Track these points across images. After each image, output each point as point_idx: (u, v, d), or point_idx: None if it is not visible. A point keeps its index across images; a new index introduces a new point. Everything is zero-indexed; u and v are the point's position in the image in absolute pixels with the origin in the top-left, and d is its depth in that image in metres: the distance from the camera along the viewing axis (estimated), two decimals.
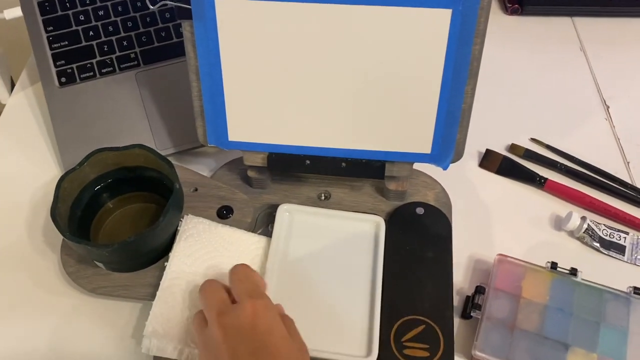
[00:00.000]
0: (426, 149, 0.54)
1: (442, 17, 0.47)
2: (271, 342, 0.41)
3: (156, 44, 0.66)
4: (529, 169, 0.62)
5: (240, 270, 0.47)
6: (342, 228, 0.56)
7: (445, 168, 0.54)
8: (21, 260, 0.56)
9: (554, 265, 0.53)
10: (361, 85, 0.51)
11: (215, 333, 0.42)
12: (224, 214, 0.57)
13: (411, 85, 0.50)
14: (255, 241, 0.55)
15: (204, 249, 0.53)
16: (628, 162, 0.64)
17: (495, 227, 0.59)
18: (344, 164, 0.55)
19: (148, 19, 0.66)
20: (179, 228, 0.54)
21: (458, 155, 0.54)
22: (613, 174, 0.62)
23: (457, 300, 0.54)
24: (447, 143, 0.53)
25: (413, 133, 0.53)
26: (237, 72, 0.51)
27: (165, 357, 0.49)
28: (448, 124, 0.52)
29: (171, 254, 0.52)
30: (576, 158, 0.63)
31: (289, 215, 0.56)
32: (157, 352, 0.48)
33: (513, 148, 0.64)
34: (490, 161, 0.63)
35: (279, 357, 0.41)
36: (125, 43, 0.65)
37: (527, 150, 0.64)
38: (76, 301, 0.54)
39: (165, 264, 0.52)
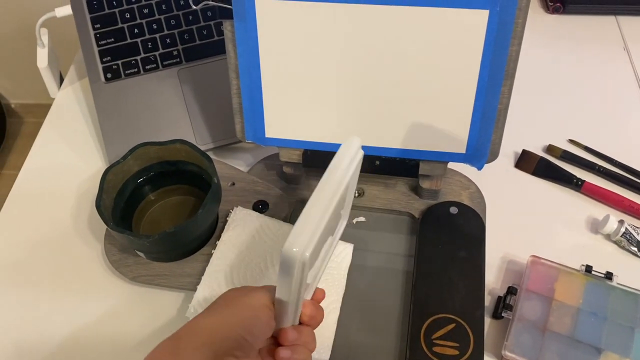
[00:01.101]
0: (461, 149, 0.54)
1: (479, 18, 0.47)
2: None
3: (198, 42, 0.67)
4: (566, 170, 0.62)
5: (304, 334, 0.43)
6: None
7: (480, 168, 0.54)
8: (67, 249, 0.59)
9: (588, 269, 0.53)
10: (397, 85, 0.52)
11: None
12: (259, 209, 0.58)
13: (447, 86, 0.51)
14: None
15: (250, 240, 0.55)
16: None
17: (530, 228, 0.59)
18: (378, 162, 0.56)
19: (190, 18, 0.68)
20: (228, 218, 0.56)
21: (493, 156, 0.54)
22: None
23: (488, 300, 0.54)
24: (482, 143, 0.53)
25: (448, 133, 0.53)
26: (275, 71, 0.53)
27: None
28: (483, 125, 0.52)
29: (219, 242, 0.54)
30: (615, 160, 0.62)
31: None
32: None
33: (550, 149, 0.64)
34: (527, 162, 0.63)
35: None
36: (168, 41, 0.67)
37: (564, 151, 0.63)
38: (118, 289, 0.56)
39: (213, 251, 0.54)
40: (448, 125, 0.53)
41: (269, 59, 0.52)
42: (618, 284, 0.52)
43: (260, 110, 0.55)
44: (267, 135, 0.56)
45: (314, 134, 0.56)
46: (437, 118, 0.53)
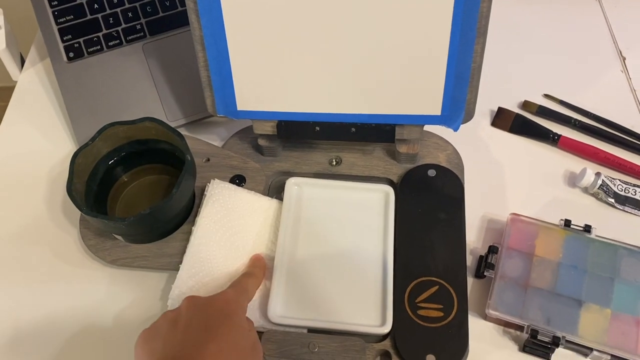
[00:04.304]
0: (436, 110, 0.53)
1: None
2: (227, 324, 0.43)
3: (161, 14, 0.65)
4: (542, 126, 0.62)
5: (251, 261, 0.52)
6: (352, 198, 0.56)
7: (456, 129, 0.54)
8: (42, 235, 0.58)
9: (567, 223, 0.53)
10: (368, 49, 0.50)
11: (182, 303, 0.44)
12: (236, 183, 0.57)
13: (419, 46, 0.50)
14: (277, 207, 0.56)
15: (229, 215, 0.54)
16: None
17: (509, 186, 0.59)
18: (353, 129, 0.55)
19: None
20: (205, 192, 0.55)
21: (469, 116, 0.54)
22: (629, 127, 0.61)
23: (470, 260, 0.55)
24: (457, 104, 0.52)
25: (422, 95, 0.52)
26: (242, 41, 0.51)
27: None
28: (457, 85, 0.51)
29: (198, 218, 0.53)
30: (591, 113, 0.62)
31: (297, 188, 0.56)
32: None
33: (526, 105, 0.64)
34: (503, 120, 0.63)
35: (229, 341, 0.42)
36: (130, 14, 0.65)
37: (540, 106, 0.63)
38: (98, 272, 0.55)
39: (193, 228, 0.53)
40: (422, 87, 0.52)
41: (234, 28, 0.50)
42: (597, 236, 0.52)
43: (230, 82, 0.53)
44: (239, 108, 0.55)
45: (287, 104, 0.54)
46: (411, 81, 0.52)
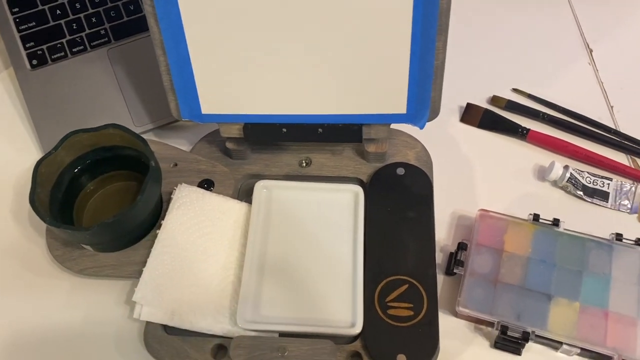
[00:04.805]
0: (401, 109, 0.53)
1: None
2: None
3: (125, 19, 0.64)
4: (510, 120, 0.62)
5: None
6: (322, 199, 0.56)
7: (421, 127, 0.53)
8: (9, 246, 0.57)
9: (536, 217, 0.53)
10: (330, 49, 0.50)
11: None
12: (205, 187, 0.57)
13: (381, 45, 0.49)
14: (246, 210, 0.55)
15: (196, 217, 0.53)
16: (612, 107, 0.63)
17: (478, 182, 0.59)
18: (320, 130, 0.55)
19: None
20: (172, 196, 0.54)
21: (434, 113, 0.53)
22: (597, 119, 0.62)
23: (441, 258, 0.55)
24: (422, 102, 0.52)
25: (387, 94, 0.52)
26: (203, 44, 0.50)
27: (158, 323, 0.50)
28: (421, 83, 0.51)
29: (164, 222, 0.53)
30: (559, 106, 0.62)
31: (266, 191, 0.56)
32: (148, 317, 0.50)
33: (494, 100, 0.63)
34: (472, 115, 0.63)
35: None
36: (94, 20, 0.64)
37: (509, 101, 0.63)
38: (66, 283, 0.55)
39: (157, 231, 0.53)
40: (386, 86, 0.52)
41: (194, 31, 0.50)
42: (565, 229, 0.52)
43: (193, 86, 0.53)
44: (203, 112, 0.54)
45: (253, 106, 0.54)
46: (375, 80, 0.51)
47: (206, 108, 0.54)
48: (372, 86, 0.52)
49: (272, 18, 0.49)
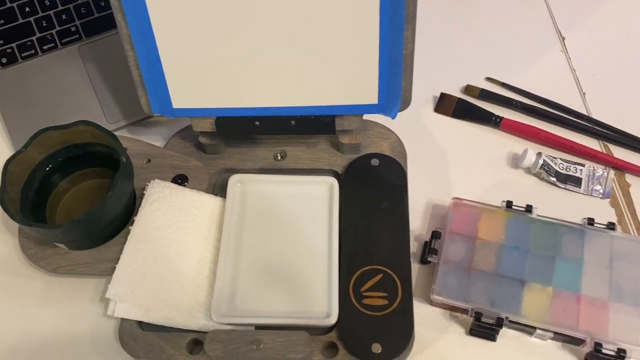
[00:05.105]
0: (373, 99, 0.53)
1: None
2: None
3: (96, 15, 0.64)
4: (484, 109, 0.62)
5: None
6: (296, 192, 0.55)
7: (393, 117, 0.53)
8: None
9: (509, 204, 0.53)
10: (299, 40, 0.50)
11: None
12: (179, 183, 0.56)
13: (349, 36, 0.49)
14: (221, 205, 0.55)
15: (169, 212, 0.53)
16: (584, 93, 0.63)
17: (452, 171, 0.59)
18: (293, 122, 0.55)
19: None
20: (144, 192, 0.54)
21: (406, 103, 0.53)
22: (569, 106, 0.62)
23: (416, 247, 0.55)
24: (393, 92, 0.52)
25: (358, 85, 0.52)
26: (171, 38, 0.50)
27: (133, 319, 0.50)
28: (392, 73, 0.51)
29: (136, 218, 0.53)
30: (532, 94, 0.63)
31: (241, 185, 0.56)
32: (122, 313, 0.49)
33: (468, 89, 0.64)
34: (446, 105, 0.63)
35: None
36: (64, 17, 0.63)
37: (482, 90, 0.63)
38: (40, 282, 0.54)
39: (131, 228, 0.52)
40: (357, 77, 0.52)
41: (162, 25, 0.49)
42: (538, 215, 0.53)
43: (163, 80, 0.52)
44: (174, 106, 0.54)
45: (224, 99, 0.54)
46: (346, 71, 0.51)
47: (177, 102, 0.54)
48: (343, 77, 0.52)
49: (239, 11, 0.48)
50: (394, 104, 0.53)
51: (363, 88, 0.52)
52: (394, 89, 0.52)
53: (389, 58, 0.50)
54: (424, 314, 0.51)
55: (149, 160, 0.58)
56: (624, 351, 0.46)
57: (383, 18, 0.48)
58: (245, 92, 0.53)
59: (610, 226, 0.51)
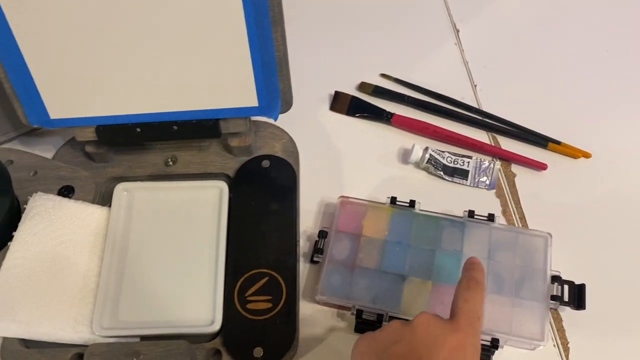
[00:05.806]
0: (253, 102, 0.53)
1: None
2: None
3: None
4: (376, 105, 0.62)
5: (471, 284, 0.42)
6: (185, 198, 0.55)
7: (275, 119, 0.53)
8: None
9: (393, 200, 0.54)
10: (169, 44, 0.49)
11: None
12: (64, 194, 0.55)
13: (219, 40, 0.49)
14: (107, 215, 0.54)
15: (52, 225, 0.52)
16: (475, 85, 0.64)
17: (345, 168, 0.59)
18: (175, 127, 0.54)
19: None
20: (24, 206, 0.53)
21: (287, 105, 0.53)
22: (461, 99, 0.63)
23: (308, 247, 0.55)
24: (272, 94, 0.52)
25: (237, 88, 0.52)
26: (37, 49, 0.49)
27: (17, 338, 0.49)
28: (267, 75, 0.51)
29: (15, 234, 0.51)
30: (423, 88, 0.63)
31: (127, 194, 0.55)
32: (2, 332, 0.48)
33: (362, 86, 0.64)
34: (340, 103, 0.63)
35: None
36: None
37: (376, 87, 0.64)
38: None
39: (9, 243, 0.51)
40: (234, 80, 0.51)
41: (25, 36, 0.48)
42: (421, 210, 0.53)
43: (35, 91, 0.51)
44: (52, 117, 0.53)
45: (103, 108, 0.53)
46: (222, 74, 0.51)
47: (54, 113, 0.53)
48: (220, 81, 0.51)
49: (103, 19, 0.47)
50: (274, 106, 0.53)
51: (242, 91, 0.52)
52: (272, 90, 0.52)
53: (261, 61, 0.50)
54: (311, 314, 0.51)
55: (36, 172, 0.57)
56: (497, 340, 0.47)
57: (249, 21, 0.48)
58: (124, 99, 0.52)
59: (490, 218, 0.52)
